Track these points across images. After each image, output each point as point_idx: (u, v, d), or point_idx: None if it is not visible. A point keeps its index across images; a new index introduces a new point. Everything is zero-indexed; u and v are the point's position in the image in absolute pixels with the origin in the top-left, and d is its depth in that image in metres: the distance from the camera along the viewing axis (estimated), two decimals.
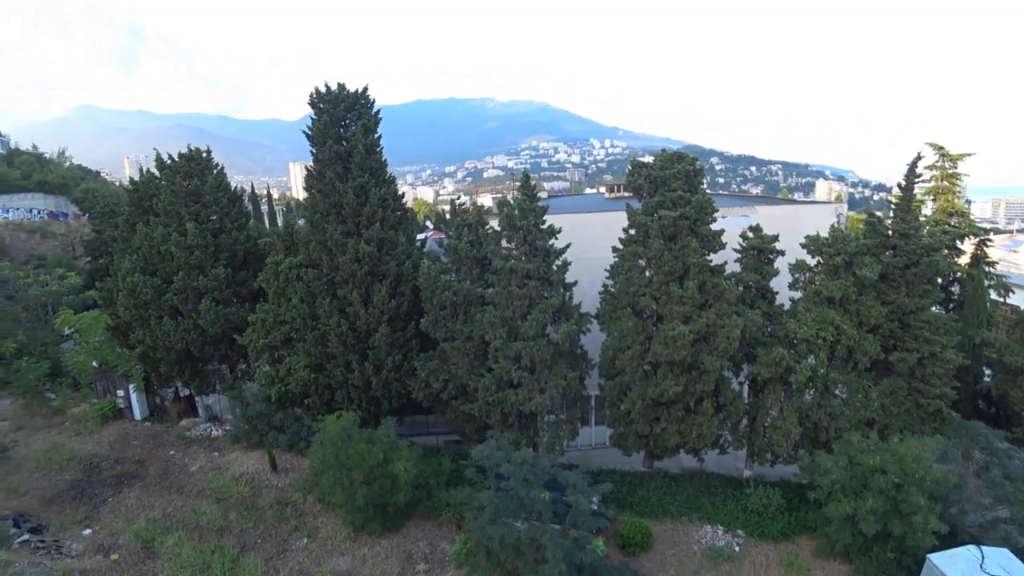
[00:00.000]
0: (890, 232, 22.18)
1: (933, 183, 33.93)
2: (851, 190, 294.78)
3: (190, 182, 24.58)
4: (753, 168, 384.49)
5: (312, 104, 22.22)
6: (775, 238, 22.09)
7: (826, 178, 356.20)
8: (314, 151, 22.15)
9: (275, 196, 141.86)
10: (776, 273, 22.15)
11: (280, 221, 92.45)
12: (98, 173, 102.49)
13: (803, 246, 22.12)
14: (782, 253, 22.08)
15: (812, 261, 22.28)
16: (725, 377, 21.22)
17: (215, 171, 25.25)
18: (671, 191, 20.58)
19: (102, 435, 27.55)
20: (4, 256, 54.34)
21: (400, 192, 23.08)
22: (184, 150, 25.41)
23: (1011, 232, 55.03)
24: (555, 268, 20.85)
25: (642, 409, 20.57)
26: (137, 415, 29.41)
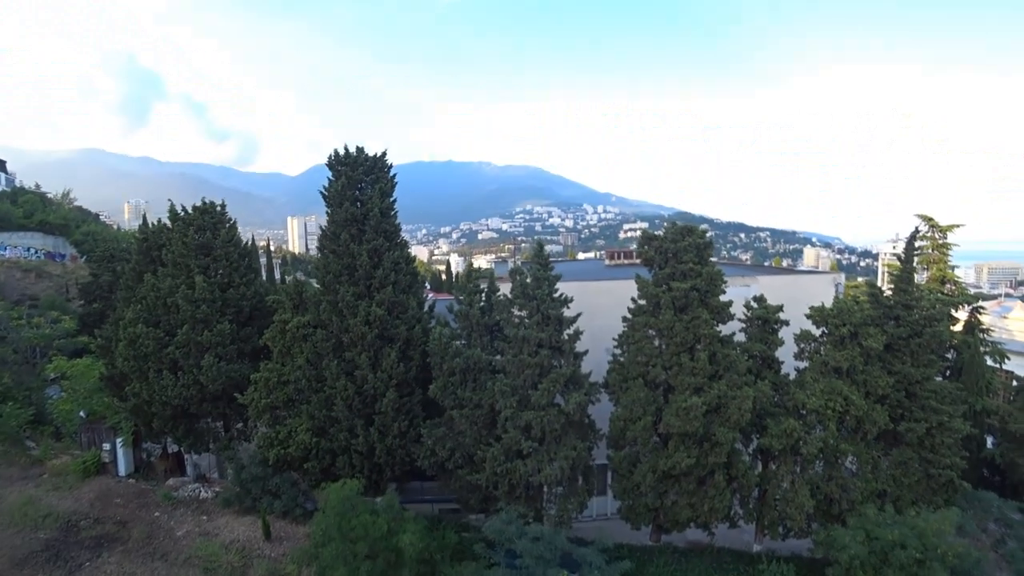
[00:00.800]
0: (892, 303, 22.42)
1: (924, 253, 34.83)
2: (838, 256, 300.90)
3: (202, 235, 24.34)
4: (742, 235, 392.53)
5: (330, 165, 22.44)
6: (779, 308, 22.23)
7: (813, 245, 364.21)
8: (329, 211, 22.16)
9: (272, 249, 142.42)
10: (781, 343, 22.13)
11: (278, 274, 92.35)
12: (98, 216, 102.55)
13: (808, 317, 22.33)
14: (786, 323, 22.13)
15: (816, 331, 22.36)
16: (736, 449, 20.84)
17: (228, 225, 25.15)
18: (682, 263, 20.81)
19: (83, 491, 26.06)
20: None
21: (412, 256, 23.09)
22: (186, 199, 25.44)
23: (998, 297, 55.95)
24: (566, 337, 20.67)
25: (653, 481, 20.00)
26: (122, 470, 28.07)
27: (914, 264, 23.97)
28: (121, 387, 26.57)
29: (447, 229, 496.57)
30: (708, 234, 23.24)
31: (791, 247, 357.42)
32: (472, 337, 20.94)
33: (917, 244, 35.13)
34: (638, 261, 44.45)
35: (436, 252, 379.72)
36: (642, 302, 21.46)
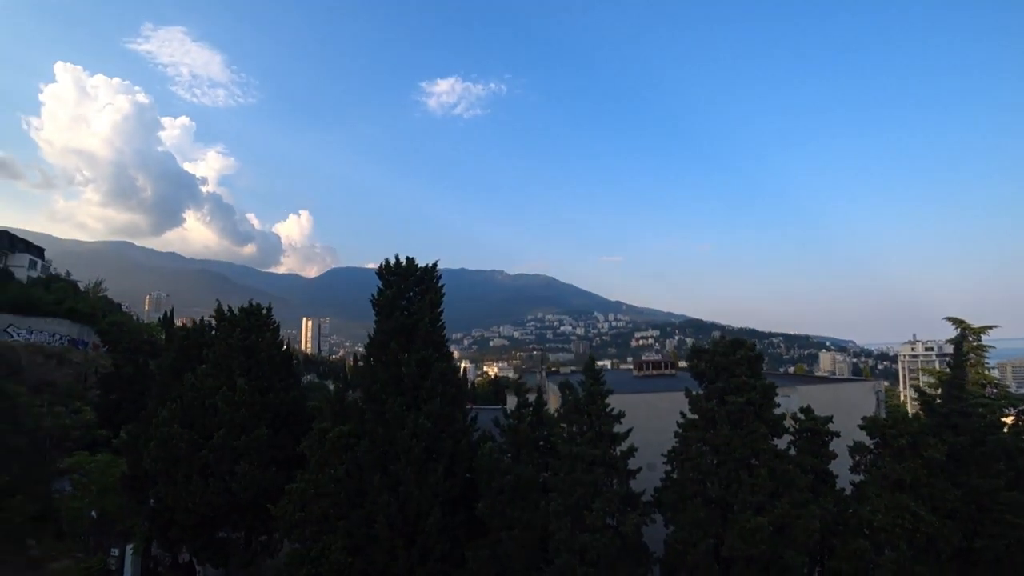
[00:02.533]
0: (947, 410, 21.44)
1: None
2: (854, 360, 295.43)
3: (247, 336, 24.00)
4: (755, 341, 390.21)
5: (380, 275, 22.50)
6: (829, 419, 21.32)
7: (828, 349, 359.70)
8: (377, 320, 21.86)
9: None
10: (835, 456, 21.09)
11: None
12: (120, 306, 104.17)
13: (862, 427, 21.54)
14: (837, 435, 21.16)
15: (870, 442, 21.41)
16: (805, 573, 19.14)
17: (272, 328, 25.03)
18: (735, 376, 20.22)
19: None
20: (17, 379, 52.96)
21: (461, 367, 22.72)
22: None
23: None
24: (619, 453, 19.74)
25: None
26: None
27: (965, 370, 23.34)
28: (142, 488, 25.33)
29: (459, 335, 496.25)
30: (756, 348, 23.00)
31: (805, 352, 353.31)
32: (521, 453, 19.88)
33: (949, 347, 34.52)
34: (668, 372, 44.07)
35: None
36: (694, 416, 20.63)
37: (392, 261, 22.54)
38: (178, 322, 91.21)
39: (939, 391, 26.18)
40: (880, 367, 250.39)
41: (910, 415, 21.37)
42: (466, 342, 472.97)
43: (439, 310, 22.44)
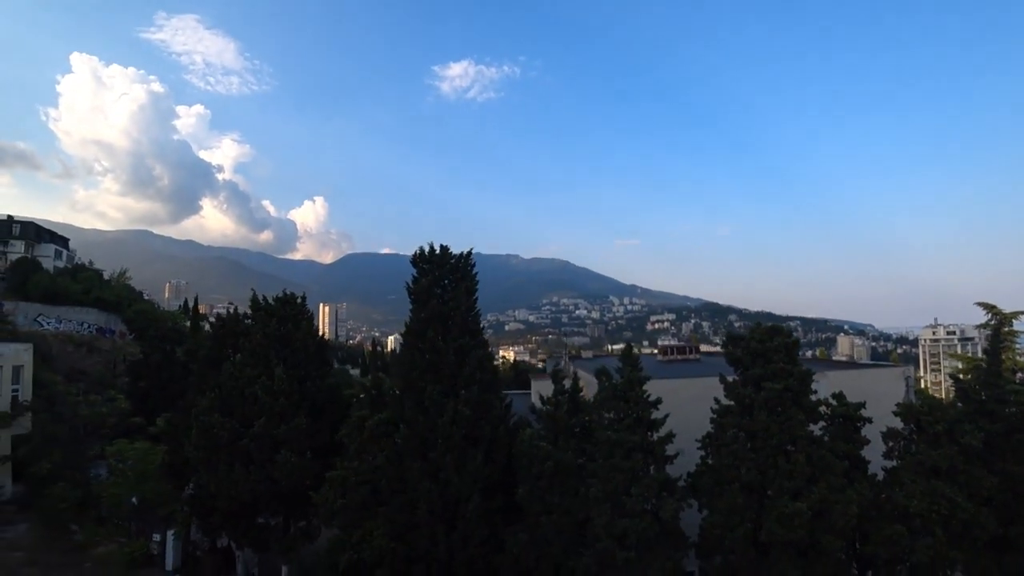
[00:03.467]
0: (984, 397, 21.40)
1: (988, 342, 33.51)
2: (873, 344, 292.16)
3: (283, 326, 24.16)
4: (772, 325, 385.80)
5: (415, 263, 22.48)
6: (861, 405, 21.20)
7: (846, 333, 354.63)
8: (414, 308, 21.90)
9: None
10: (867, 442, 21.00)
11: None
12: (141, 294, 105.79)
13: (896, 413, 21.48)
14: (870, 420, 21.06)
15: (903, 428, 21.28)
16: (839, 558, 19.21)
17: (307, 318, 25.28)
18: (772, 363, 20.20)
19: None
20: (49, 368, 54.13)
21: (496, 355, 22.82)
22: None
23: None
24: (656, 440, 19.87)
25: None
26: (169, 564, 26.82)
27: (1000, 356, 23.10)
28: (182, 475, 25.88)
29: None
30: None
31: (823, 336, 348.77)
32: (559, 439, 20.03)
33: (978, 334, 34.10)
34: (692, 357, 43.90)
35: None
36: (729, 403, 20.71)
37: (426, 249, 22.51)
38: (201, 310, 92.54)
39: (970, 376, 25.89)
40: (900, 351, 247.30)
41: (936, 400, 21.15)
42: (481, 326, 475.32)
43: (474, 298, 22.44)
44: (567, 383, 21.01)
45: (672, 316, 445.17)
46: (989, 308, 34.47)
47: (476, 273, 22.95)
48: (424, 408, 20.30)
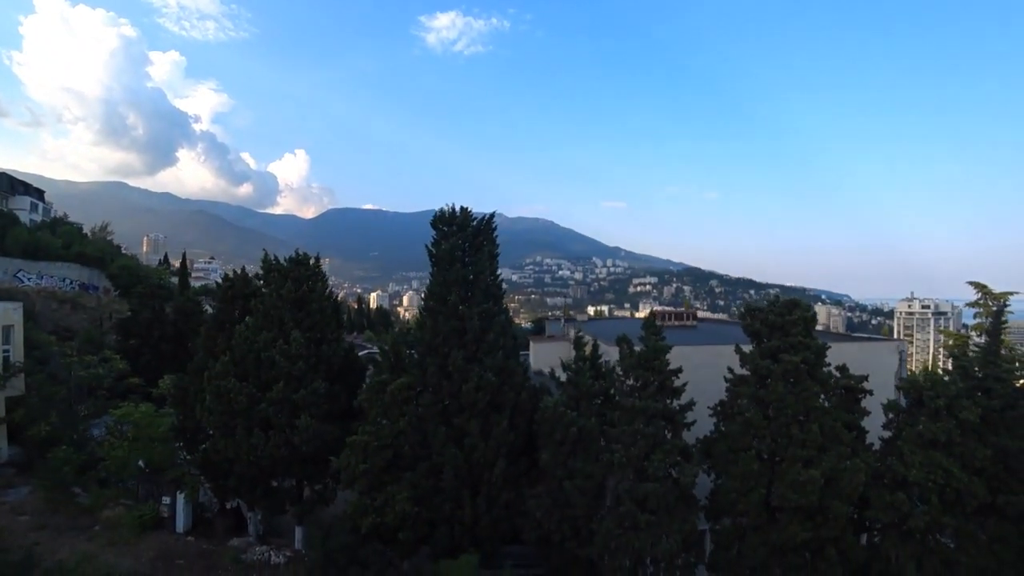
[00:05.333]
0: (982, 375, 22.30)
1: (978, 320, 34.50)
2: (849, 314, 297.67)
3: (298, 287, 23.55)
4: (752, 291, 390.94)
5: (435, 225, 22.05)
6: (864, 378, 22.01)
7: (823, 302, 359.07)
8: (434, 271, 21.57)
9: None
10: (868, 413, 21.90)
11: None
12: (119, 248, 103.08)
13: (899, 388, 22.62)
14: (871, 392, 21.92)
15: (903, 401, 22.22)
16: (848, 522, 20.17)
17: (322, 279, 24.72)
18: (789, 336, 20.74)
19: (141, 548, 24.21)
20: (35, 326, 52.68)
21: (513, 319, 22.83)
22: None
23: None
24: (677, 407, 20.31)
25: (763, 555, 19.53)
26: (180, 526, 26.87)
27: (1000, 337, 23.96)
28: (194, 440, 25.75)
29: None
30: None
31: None
32: (581, 405, 20.38)
33: (970, 312, 35.11)
34: (689, 323, 44.46)
35: None
36: (744, 372, 21.33)
37: (447, 211, 22.09)
38: (175, 262, 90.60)
39: (960, 350, 26.70)
40: (875, 322, 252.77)
41: (938, 376, 22.13)
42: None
43: (496, 262, 22.27)
44: (587, 349, 21.18)
45: (654, 279, 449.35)
46: (980, 287, 35.35)
47: (497, 236, 22.67)
48: (448, 373, 20.30)
